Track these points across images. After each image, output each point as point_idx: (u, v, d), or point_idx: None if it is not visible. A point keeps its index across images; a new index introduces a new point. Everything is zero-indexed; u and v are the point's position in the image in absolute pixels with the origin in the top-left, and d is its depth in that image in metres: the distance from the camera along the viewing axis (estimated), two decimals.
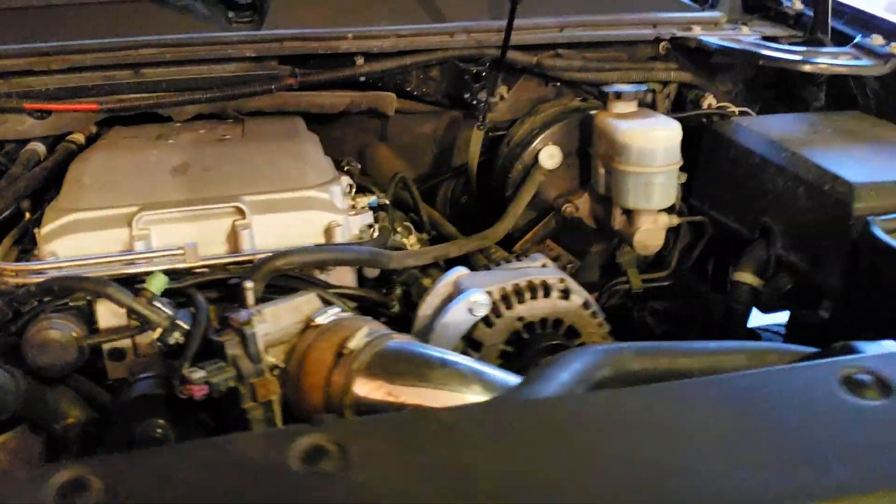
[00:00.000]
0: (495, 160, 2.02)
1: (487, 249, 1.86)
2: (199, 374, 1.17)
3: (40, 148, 1.78)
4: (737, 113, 1.91)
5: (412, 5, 1.86)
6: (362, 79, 1.81)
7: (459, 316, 1.34)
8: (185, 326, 1.28)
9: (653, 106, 1.97)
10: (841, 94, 1.92)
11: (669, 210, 1.77)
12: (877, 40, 1.81)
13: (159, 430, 1.20)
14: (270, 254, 1.40)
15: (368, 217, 1.59)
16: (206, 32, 1.75)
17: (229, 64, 1.75)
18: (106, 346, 1.36)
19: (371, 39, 1.77)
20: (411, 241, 1.82)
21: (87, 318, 1.34)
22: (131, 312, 1.27)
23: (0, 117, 1.72)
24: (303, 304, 1.27)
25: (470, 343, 1.37)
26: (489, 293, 1.37)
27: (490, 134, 2.04)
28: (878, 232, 1.32)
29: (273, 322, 1.23)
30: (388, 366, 1.16)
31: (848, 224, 1.41)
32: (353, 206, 1.64)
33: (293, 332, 1.25)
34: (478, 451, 0.80)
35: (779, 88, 2.06)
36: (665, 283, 1.90)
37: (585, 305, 1.40)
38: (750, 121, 1.83)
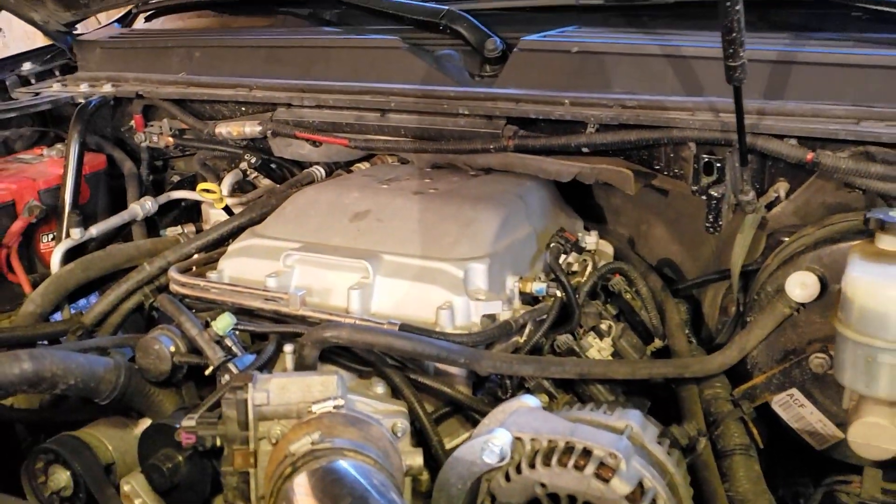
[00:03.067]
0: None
1: (706, 384, 1.49)
2: (190, 421, 1.20)
3: (318, 172, 1.97)
4: None
5: (665, 72, 1.54)
6: (585, 150, 1.57)
7: (472, 455, 1.11)
8: (234, 371, 1.31)
9: None
10: None
11: None
12: None
13: (169, 465, 1.25)
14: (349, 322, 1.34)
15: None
16: (447, 86, 1.71)
17: (459, 118, 1.69)
18: None
19: (588, 107, 1.52)
20: (602, 344, 1.55)
21: None
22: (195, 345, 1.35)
23: (286, 140, 1.94)
24: (315, 384, 1.19)
25: (490, 492, 1.13)
26: (519, 440, 1.10)
27: (774, 236, 1.61)
28: None
29: (278, 394, 1.19)
30: (315, 486, 1.03)
31: None
32: (521, 290, 1.47)
33: (301, 409, 1.19)
34: None
35: None
36: None
37: (633, 499, 1.03)
38: None
